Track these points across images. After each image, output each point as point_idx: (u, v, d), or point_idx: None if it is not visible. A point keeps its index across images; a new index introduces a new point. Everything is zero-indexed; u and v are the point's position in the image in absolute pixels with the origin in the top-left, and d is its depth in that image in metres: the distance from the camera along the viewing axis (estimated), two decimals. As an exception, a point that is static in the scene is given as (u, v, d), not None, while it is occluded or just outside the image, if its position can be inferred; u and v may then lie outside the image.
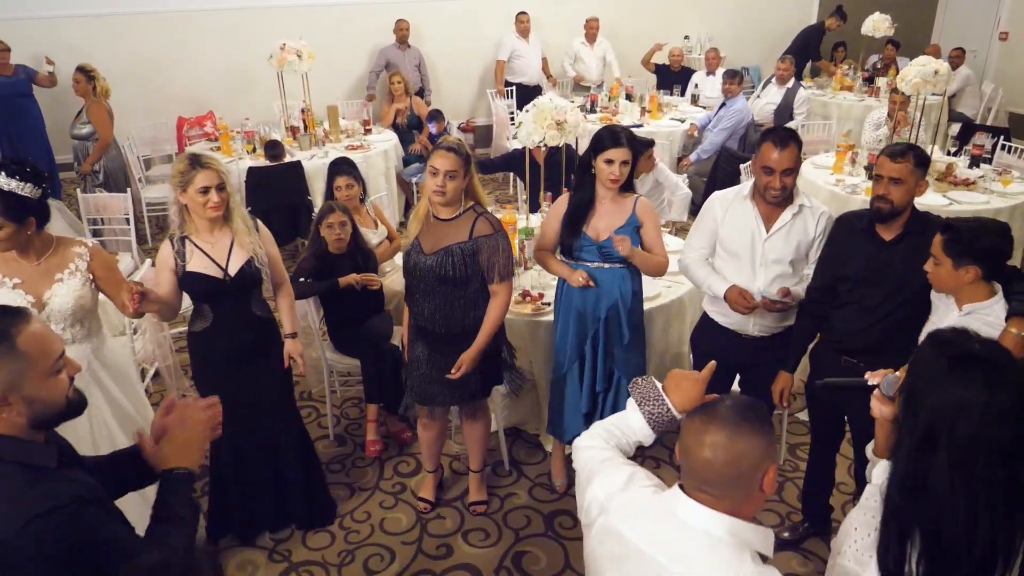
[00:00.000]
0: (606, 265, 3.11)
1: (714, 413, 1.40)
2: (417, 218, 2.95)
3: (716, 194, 3.10)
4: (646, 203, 3.14)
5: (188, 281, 2.80)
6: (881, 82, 8.29)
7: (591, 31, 8.35)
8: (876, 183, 2.64)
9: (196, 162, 2.70)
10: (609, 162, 2.97)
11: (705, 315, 3.23)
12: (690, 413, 1.48)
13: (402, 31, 7.88)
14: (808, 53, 8.94)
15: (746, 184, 3.01)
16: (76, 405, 1.59)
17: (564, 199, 3.19)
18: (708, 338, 3.20)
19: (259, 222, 2.95)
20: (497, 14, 8.45)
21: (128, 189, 5.50)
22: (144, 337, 3.89)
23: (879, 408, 1.73)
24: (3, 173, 2.48)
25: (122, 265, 4.80)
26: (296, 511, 3.26)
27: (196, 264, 2.79)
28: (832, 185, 5.41)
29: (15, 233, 2.55)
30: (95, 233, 5.61)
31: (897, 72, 8.62)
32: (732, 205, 2.98)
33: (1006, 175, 5.29)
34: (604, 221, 3.08)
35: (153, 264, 4.10)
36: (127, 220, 5.33)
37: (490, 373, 3.13)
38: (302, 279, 3.62)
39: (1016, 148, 6.00)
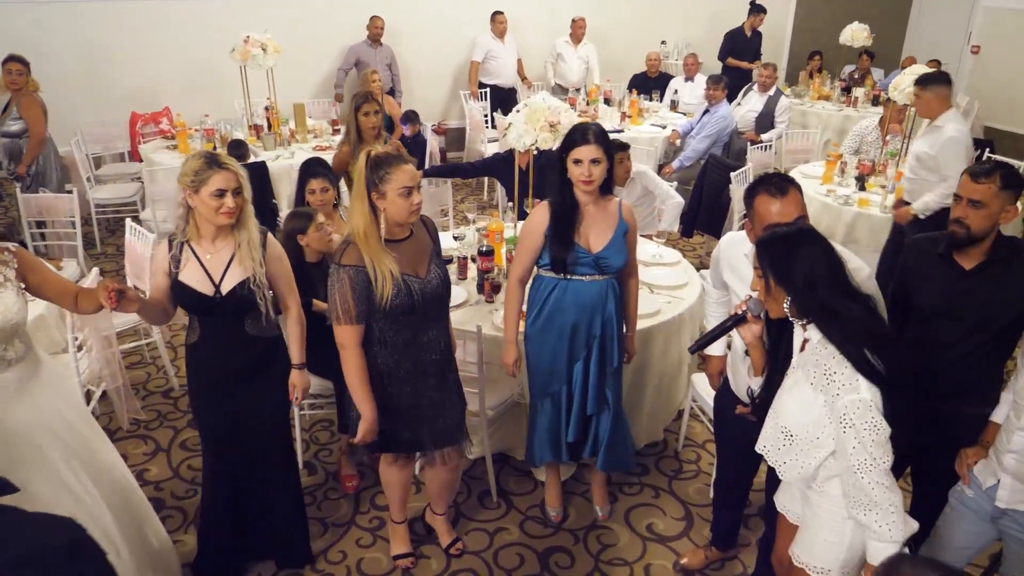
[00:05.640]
0: (600, 277, 2.84)
1: None
2: (382, 260, 2.42)
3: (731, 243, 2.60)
4: (629, 206, 2.91)
5: (177, 291, 2.51)
6: (858, 92, 8.22)
7: (577, 32, 8.11)
8: (954, 204, 2.37)
9: (213, 162, 2.41)
10: (577, 162, 2.69)
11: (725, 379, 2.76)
12: None
13: (376, 29, 7.55)
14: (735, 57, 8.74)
15: (748, 244, 2.45)
16: None
17: (538, 213, 2.84)
18: (728, 404, 2.70)
19: (270, 237, 2.61)
20: (474, 13, 8.16)
21: (74, 189, 5.06)
22: (90, 355, 3.48)
23: (750, 331, 2.11)
24: None
25: (67, 272, 4.38)
26: (277, 547, 2.94)
27: (188, 275, 2.49)
28: (823, 196, 5.23)
29: None
30: (39, 236, 5.17)
31: (874, 83, 8.64)
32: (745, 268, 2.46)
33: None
34: (594, 230, 2.80)
35: (102, 273, 3.73)
36: (73, 223, 4.90)
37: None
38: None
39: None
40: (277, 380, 2.69)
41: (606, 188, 2.82)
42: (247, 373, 2.60)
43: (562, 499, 3.33)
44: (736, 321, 2.14)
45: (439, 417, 2.70)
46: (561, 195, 2.79)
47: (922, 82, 4.32)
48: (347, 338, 2.46)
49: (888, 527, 1.81)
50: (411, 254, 2.54)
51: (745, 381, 2.41)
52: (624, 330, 3.03)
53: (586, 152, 2.67)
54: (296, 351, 2.71)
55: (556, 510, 3.29)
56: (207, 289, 2.48)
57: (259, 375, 2.63)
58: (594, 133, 2.70)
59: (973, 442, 2.37)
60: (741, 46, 8.53)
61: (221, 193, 2.39)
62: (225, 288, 2.48)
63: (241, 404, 2.63)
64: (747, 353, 2.25)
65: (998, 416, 2.35)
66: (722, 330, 2.21)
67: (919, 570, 1.19)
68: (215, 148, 5.75)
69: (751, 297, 2.11)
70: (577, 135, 2.71)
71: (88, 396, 3.53)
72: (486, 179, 7.33)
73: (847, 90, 8.42)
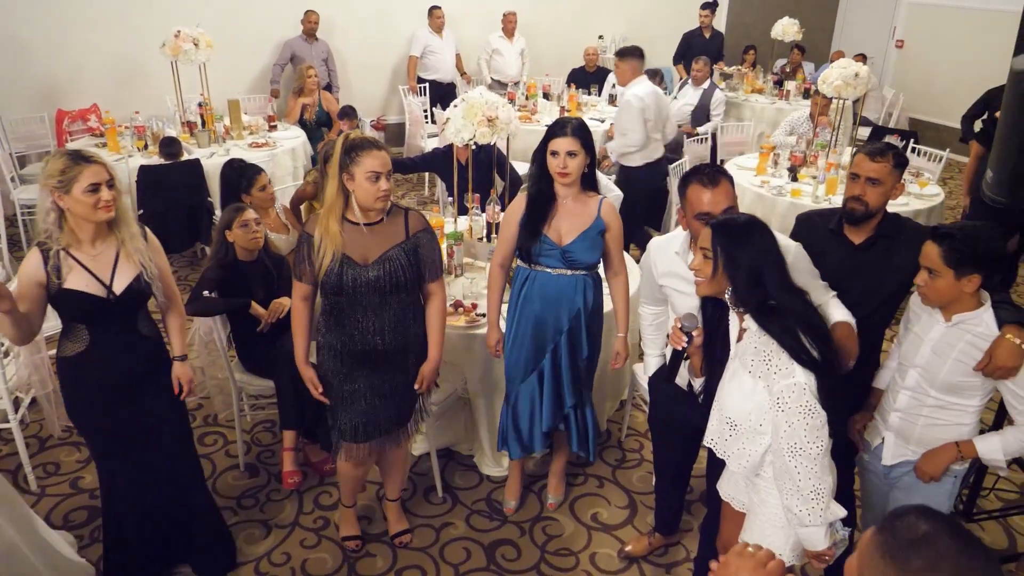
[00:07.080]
0: (569, 272, 2.85)
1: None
2: (331, 235, 2.50)
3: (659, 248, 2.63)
4: (611, 205, 2.89)
5: (64, 300, 2.37)
6: (790, 85, 8.43)
7: (509, 26, 8.12)
8: (851, 183, 2.48)
9: (79, 157, 2.31)
10: (554, 154, 2.71)
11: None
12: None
13: (311, 23, 7.44)
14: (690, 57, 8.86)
15: (677, 240, 2.54)
16: None
17: (518, 202, 2.89)
18: (663, 393, 2.74)
19: (147, 230, 2.54)
20: (411, 8, 8.10)
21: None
22: (17, 361, 3.36)
23: (694, 346, 2.20)
24: None
25: (-9, 276, 4.22)
26: (194, 555, 2.88)
27: (75, 281, 2.35)
28: (757, 187, 5.35)
29: None
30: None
31: (804, 76, 8.88)
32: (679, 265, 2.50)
33: (921, 177, 5.38)
34: (567, 222, 2.81)
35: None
36: (-4, 224, 4.72)
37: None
38: (207, 292, 3.20)
39: (924, 152, 6.13)
40: (170, 383, 2.62)
41: (590, 184, 2.84)
42: (140, 379, 2.51)
43: (521, 491, 3.35)
44: (686, 349, 2.22)
45: (383, 408, 2.71)
46: (537, 185, 2.82)
47: (619, 54, 5.26)
48: (293, 290, 2.68)
49: (808, 512, 1.87)
50: (368, 241, 2.56)
51: (685, 377, 2.47)
52: (613, 327, 3.06)
53: (563, 144, 2.70)
54: (177, 343, 2.67)
55: (514, 502, 3.30)
56: (99, 291, 2.38)
57: (152, 380, 2.56)
58: (573, 126, 2.72)
59: (859, 408, 2.55)
60: (699, 48, 8.51)
61: (95, 188, 2.29)
62: (119, 287, 2.40)
63: (135, 412, 2.52)
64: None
65: (881, 382, 2.53)
66: (681, 358, 2.29)
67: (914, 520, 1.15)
68: (146, 146, 5.60)
69: (680, 320, 2.19)
70: (556, 127, 2.74)
71: (17, 403, 3.41)
72: (427, 174, 7.31)
73: (779, 83, 8.63)
